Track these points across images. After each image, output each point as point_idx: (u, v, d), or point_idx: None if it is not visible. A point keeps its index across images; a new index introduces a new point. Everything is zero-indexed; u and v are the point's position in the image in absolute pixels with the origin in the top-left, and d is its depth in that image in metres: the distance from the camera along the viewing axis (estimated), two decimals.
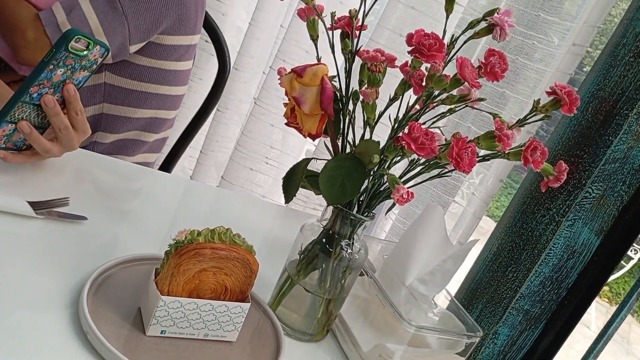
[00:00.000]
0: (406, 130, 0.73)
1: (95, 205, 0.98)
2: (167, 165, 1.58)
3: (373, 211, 0.83)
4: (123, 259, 0.82)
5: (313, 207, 1.31)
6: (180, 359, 0.71)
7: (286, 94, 0.78)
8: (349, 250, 0.83)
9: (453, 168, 0.79)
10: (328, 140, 0.84)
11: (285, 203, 0.84)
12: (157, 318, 0.71)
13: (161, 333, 0.72)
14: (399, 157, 0.78)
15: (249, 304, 0.76)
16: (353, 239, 0.83)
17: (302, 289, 0.85)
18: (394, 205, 0.84)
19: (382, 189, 0.82)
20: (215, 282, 0.73)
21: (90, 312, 0.70)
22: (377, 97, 0.77)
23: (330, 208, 0.83)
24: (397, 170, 0.80)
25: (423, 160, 0.78)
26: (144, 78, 1.36)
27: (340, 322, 0.89)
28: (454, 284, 0.89)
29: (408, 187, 0.74)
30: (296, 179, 0.81)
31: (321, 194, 0.85)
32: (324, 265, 0.84)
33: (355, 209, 0.82)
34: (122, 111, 1.36)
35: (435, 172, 0.81)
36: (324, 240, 0.84)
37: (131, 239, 0.94)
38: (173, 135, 1.76)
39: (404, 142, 0.72)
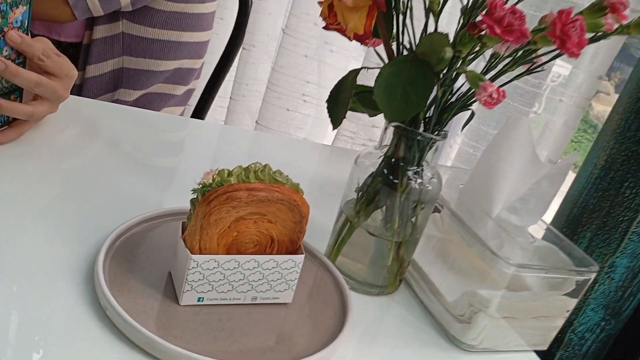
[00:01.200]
0: (484, 12, 0.55)
1: (118, 158, 0.84)
2: (196, 118, 1.43)
3: (444, 128, 0.66)
4: (146, 215, 0.67)
5: (362, 142, 1.15)
6: (225, 331, 0.57)
7: None
8: (419, 180, 0.67)
9: (545, 61, 0.61)
10: (379, 48, 0.66)
11: (333, 128, 0.68)
12: (191, 283, 0.57)
13: (198, 301, 0.58)
14: (475, 53, 0.60)
15: (303, 255, 0.61)
16: (422, 166, 0.67)
17: (365, 233, 0.70)
18: (472, 117, 0.66)
19: (453, 99, 0.64)
20: (258, 232, 0.58)
21: (108, 283, 0.57)
22: None
23: (391, 129, 0.66)
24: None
25: (507, 52, 0.60)
26: (166, 25, 1.20)
27: (414, 270, 0.74)
28: (549, 212, 0.72)
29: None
30: (344, 96, 0.65)
31: (376, 113, 0.68)
32: (388, 202, 0.68)
33: (422, 127, 0.65)
34: (144, 64, 1.21)
35: (521, 69, 0.63)
36: (385, 171, 0.67)
37: (160, 194, 0.79)
38: (199, 84, 1.61)
39: (484, 26, 0.54)
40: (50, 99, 0.78)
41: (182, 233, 0.58)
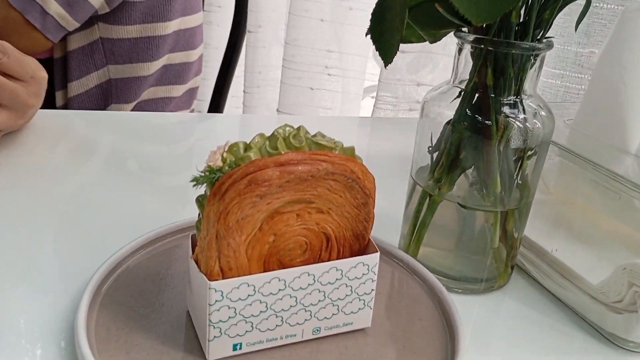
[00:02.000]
0: None
1: (119, 174, 0.65)
2: None
3: (547, 34, 0.45)
4: (146, 238, 0.48)
5: (408, 107, 0.94)
6: None
7: None
8: (521, 116, 0.46)
9: None
10: None
11: (385, 65, 0.47)
12: (218, 325, 0.37)
13: (234, 350, 0.38)
14: None
15: (378, 253, 0.40)
16: (521, 96, 0.46)
17: (454, 208, 0.49)
18: (587, 7, 0.45)
19: None
20: (305, 230, 0.38)
21: (95, 343, 0.37)
22: None
23: (468, 50, 0.45)
24: None
25: None
26: (147, 18, 1.01)
27: (528, 249, 0.53)
28: None
29: None
30: (395, 14, 0.44)
31: (442, 33, 0.48)
32: (480, 156, 0.47)
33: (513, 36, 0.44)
34: (132, 70, 1.03)
35: None
36: (469, 112, 0.46)
37: (172, 208, 0.60)
38: (206, 85, 1.42)
39: None
40: (10, 105, 0.60)
41: (193, 251, 0.38)
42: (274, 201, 0.35)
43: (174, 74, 1.09)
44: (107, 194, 0.61)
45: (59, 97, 1.01)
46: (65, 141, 0.72)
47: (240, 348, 0.38)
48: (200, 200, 0.37)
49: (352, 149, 0.38)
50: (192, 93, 1.20)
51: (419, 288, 0.47)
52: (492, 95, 0.45)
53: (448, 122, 0.47)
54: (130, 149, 0.72)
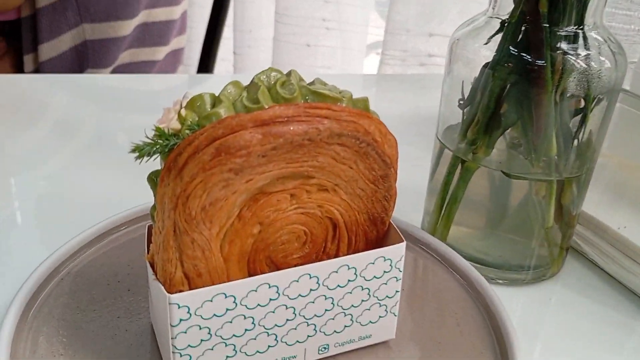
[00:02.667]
0: None
1: (87, 145, 0.54)
2: None
3: None
4: (98, 229, 0.37)
5: (419, 62, 0.82)
6: None
7: None
8: (583, 53, 0.35)
9: None
10: None
11: None
12: (185, 353, 0.26)
13: None
14: None
15: (404, 243, 0.29)
16: (584, 27, 0.35)
17: (491, 177, 0.38)
18: None
19: None
20: (303, 216, 0.27)
21: None
22: None
23: None
24: None
25: None
26: None
27: (585, 228, 0.42)
28: None
29: None
30: None
31: None
32: (531, 110, 0.36)
33: None
34: (109, 30, 0.91)
35: None
36: (513, 50, 0.35)
37: (140, 191, 0.49)
38: (193, 49, 1.30)
39: None
40: None
41: (148, 249, 0.28)
42: (257, 177, 0.24)
43: (155, 33, 0.98)
44: (75, 173, 0.50)
45: (28, 61, 0.90)
46: (23, 110, 0.61)
47: None
48: (154, 179, 0.26)
49: (365, 101, 0.27)
50: (176, 56, 1.08)
51: (453, 281, 0.37)
52: (546, 25, 0.34)
53: (485, 66, 0.36)
54: (104, 119, 0.61)
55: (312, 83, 0.27)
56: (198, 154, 0.23)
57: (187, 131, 0.24)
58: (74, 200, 0.46)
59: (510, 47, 0.35)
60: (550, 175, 0.37)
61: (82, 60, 0.92)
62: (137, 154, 0.24)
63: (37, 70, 0.91)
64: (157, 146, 0.24)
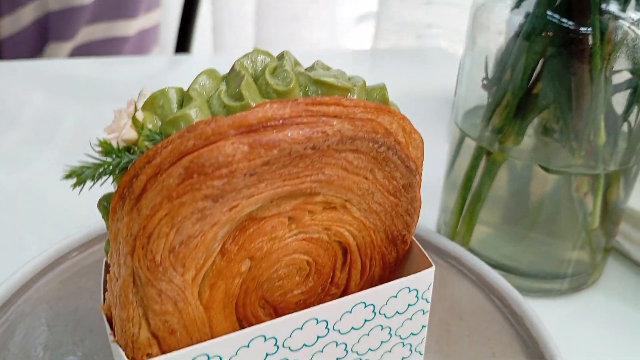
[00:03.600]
0: None
1: (47, 141, 0.47)
2: None
3: None
4: (48, 256, 0.30)
5: (415, 33, 0.75)
6: None
7: None
8: (637, 17, 0.28)
9: None
10: None
11: None
12: None
13: None
14: None
15: (433, 268, 0.23)
16: None
17: (526, 172, 0.32)
18: None
19: None
20: (305, 242, 0.21)
21: None
22: None
23: None
24: None
25: None
26: None
27: (628, 224, 0.36)
28: None
29: None
30: None
31: None
32: (572, 88, 0.30)
33: None
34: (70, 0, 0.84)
35: None
36: (552, 15, 0.29)
37: None
38: (168, 28, 1.22)
39: None
40: None
41: (104, 296, 0.21)
42: (243, 202, 0.18)
43: (120, 3, 0.90)
44: (33, 177, 0.43)
45: None
46: None
47: None
48: (106, 206, 0.20)
49: (382, 89, 0.21)
50: (150, 35, 1.00)
51: (482, 299, 0.31)
52: None
53: (517, 36, 0.30)
54: (65, 108, 0.54)
55: (311, 68, 0.21)
56: (161, 176, 0.17)
57: (146, 143, 0.18)
58: (40, 208, 0.39)
59: (548, 12, 0.29)
60: (597, 169, 0.31)
61: (43, 34, 0.85)
62: (73, 181, 0.17)
63: None
64: (104, 167, 0.17)
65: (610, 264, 0.36)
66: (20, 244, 0.35)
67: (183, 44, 1.08)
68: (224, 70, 0.21)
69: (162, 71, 0.69)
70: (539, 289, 0.34)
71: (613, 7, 0.28)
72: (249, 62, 0.20)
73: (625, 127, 0.30)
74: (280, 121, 0.17)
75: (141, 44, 0.98)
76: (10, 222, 0.37)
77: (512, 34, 0.30)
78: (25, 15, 0.82)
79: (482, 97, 0.32)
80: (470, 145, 0.33)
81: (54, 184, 0.41)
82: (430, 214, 0.38)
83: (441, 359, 0.27)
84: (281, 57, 0.20)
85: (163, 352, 0.19)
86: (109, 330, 0.20)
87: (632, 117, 0.30)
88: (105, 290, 0.21)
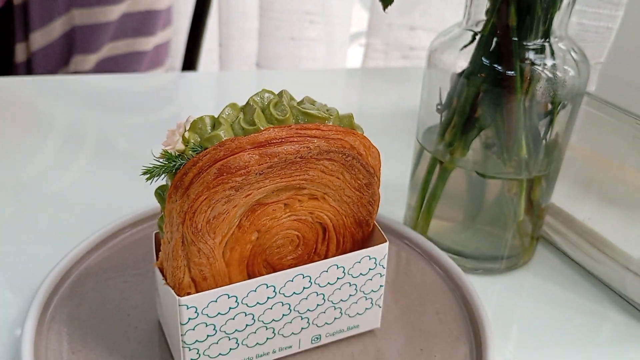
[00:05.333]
0: None
1: (81, 153, 0.56)
2: None
3: None
4: (105, 232, 0.40)
5: (401, 55, 0.85)
6: None
7: None
8: (549, 62, 0.38)
9: None
10: None
11: (384, 7, 0.39)
12: (194, 347, 0.30)
13: None
14: None
15: (387, 243, 0.33)
16: (550, 38, 0.38)
17: (469, 177, 0.41)
18: None
19: None
20: (296, 222, 0.30)
21: None
22: None
23: None
24: None
25: None
26: None
27: (554, 218, 0.45)
28: None
29: None
30: None
31: None
32: (501, 114, 0.39)
33: None
34: (97, 14, 0.93)
35: None
36: (486, 60, 0.38)
37: (135, 191, 0.52)
38: (178, 41, 1.32)
39: None
40: None
41: (157, 256, 0.31)
42: (254, 192, 0.28)
43: (142, 21, 0.99)
44: (68, 177, 0.52)
45: (20, 51, 0.92)
46: (17, 115, 0.63)
47: None
48: (161, 194, 0.29)
49: (350, 117, 0.30)
50: (164, 49, 1.10)
51: (433, 273, 0.40)
52: (515, 39, 0.37)
53: (461, 74, 0.39)
54: (90, 119, 0.64)
55: (301, 102, 0.30)
56: (202, 174, 0.26)
57: (191, 152, 0.27)
58: (79, 204, 0.48)
59: (483, 58, 0.38)
60: (521, 175, 0.40)
61: (70, 46, 0.94)
62: (147, 175, 0.26)
63: (29, 60, 0.93)
64: (165, 167, 0.26)
65: (541, 251, 0.46)
66: (64, 230, 0.45)
67: (191, 58, 1.17)
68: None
69: (172, 86, 0.78)
70: (482, 267, 0.43)
71: (531, 55, 0.38)
72: (258, 98, 0.29)
73: (543, 143, 0.40)
74: (280, 140, 0.27)
75: (156, 57, 1.07)
76: (55, 216, 0.47)
77: (457, 73, 0.39)
78: (55, 30, 0.92)
79: (436, 118, 0.42)
80: (427, 156, 0.42)
81: (89, 183, 0.51)
82: (398, 209, 0.47)
83: (396, 313, 0.37)
84: (280, 95, 0.30)
85: (198, 292, 0.29)
86: (160, 278, 0.29)
87: (549, 136, 0.40)
88: (157, 252, 0.30)
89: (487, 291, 0.42)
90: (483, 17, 0.38)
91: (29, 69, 0.94)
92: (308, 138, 0.27)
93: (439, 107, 0.42)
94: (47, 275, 0.36)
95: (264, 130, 0.27)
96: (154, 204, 0.42)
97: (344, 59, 1.00)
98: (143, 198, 0.40)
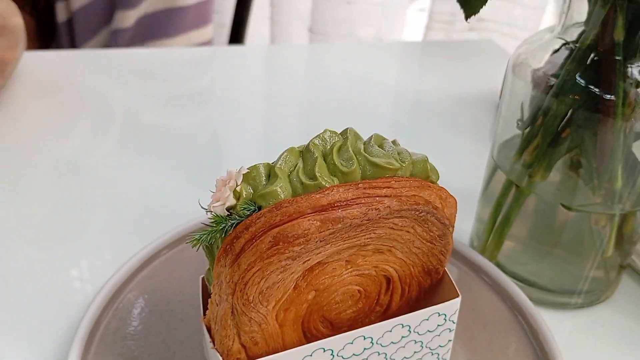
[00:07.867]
0: None
1: (128, 138, 0.54)
2: (234, 42, 1.10)
3: None
4: (149, 251, 0.38)
5: (469, 27, 0.78)
6: None
7: None
8: None
9: None
10: None
11: (466, 18, 0.34)
12: None
13: None
14: None
15: (459, 299, 0.29)
16: None
17: (549, 206, 0.37)
18: None
19: None
20: (358, 277, 0.27)
21: None
22: None
23: None
24: None
25: None
26: None
27: None
28: None
29: None
30: None
31: None
32: (593, 140, 0.34)
33: None
34: None
35: None
36: (582, 78, 0.33)
37: (191, 192, 0.49)
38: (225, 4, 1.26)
39: None
40: None
41: (204, 310, 0.28)
42: (313, 257, 0.24)
43: None
44: (111, 170, 0.50)
45: (61, 9, 0.89)
46: (52, 94, 0.60)
47: None
48: (209, 247, 0.26)
49: (424, 162, 0.26)
50: (208, 6, 1.05)
51: (504, 308, 0.36)
52: (619, 57, 0.31)
53: (548, 89, 0.34)
54: (130, 101, 0.61)
55: (369, 143, 0.26)
56: (255, 241, 0.23)
57: (243, 208, 0.24)
58: (136, 206, 0.46)
59: (577, 76, 0.33)
60: (613, 208, 0.35)
61: (112, 3, 0.91)
62: (194, 242, 0.23)
63: (70, 19, 0.91)
64: (213, 232, 0.23)
65: (625, 282, 0.41)
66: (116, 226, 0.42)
67: (241, 15, 1.12)
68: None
69: (216, 62, 0.74)
70: (556, 302, 0.39)
71: (638, 77, 0.32)
72: (319, 141, 0.25)
73: None
74: (345, 202, 0.23)
75: (200, 14, 1.02)
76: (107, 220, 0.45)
77: (544, 86, 0.34)
78: None
79: (513, 131, 0.37)
80: (501, 177, 0.38)
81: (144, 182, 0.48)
82: (466, 226, 0.43)
83: (460, 356, 0.34)
84: (345, 134, 0.26)
85: (248, 357, 0.26)
86: (208, 339, 0.27)
87: None
88: (204, 306, 0.28)
89: (560, 329, 0.38)
90: (581, 25, 0.33)
91: (70, 29, 0.92)
92: (377, 198, 0.23)
93: (519, 123, 0.37)
94: (88, 306, 0.33)
95: (326, 190, 0.23)
96: (197, 218, 0.39)
97: (401, 27, 0.93)
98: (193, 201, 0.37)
